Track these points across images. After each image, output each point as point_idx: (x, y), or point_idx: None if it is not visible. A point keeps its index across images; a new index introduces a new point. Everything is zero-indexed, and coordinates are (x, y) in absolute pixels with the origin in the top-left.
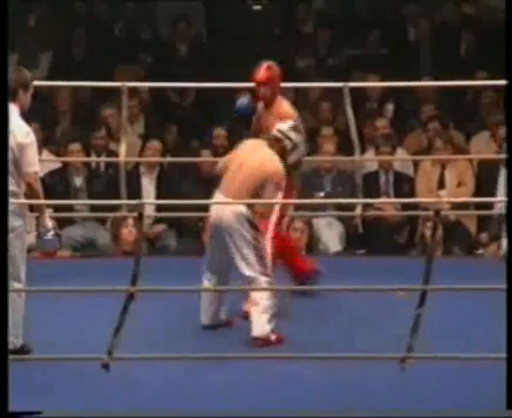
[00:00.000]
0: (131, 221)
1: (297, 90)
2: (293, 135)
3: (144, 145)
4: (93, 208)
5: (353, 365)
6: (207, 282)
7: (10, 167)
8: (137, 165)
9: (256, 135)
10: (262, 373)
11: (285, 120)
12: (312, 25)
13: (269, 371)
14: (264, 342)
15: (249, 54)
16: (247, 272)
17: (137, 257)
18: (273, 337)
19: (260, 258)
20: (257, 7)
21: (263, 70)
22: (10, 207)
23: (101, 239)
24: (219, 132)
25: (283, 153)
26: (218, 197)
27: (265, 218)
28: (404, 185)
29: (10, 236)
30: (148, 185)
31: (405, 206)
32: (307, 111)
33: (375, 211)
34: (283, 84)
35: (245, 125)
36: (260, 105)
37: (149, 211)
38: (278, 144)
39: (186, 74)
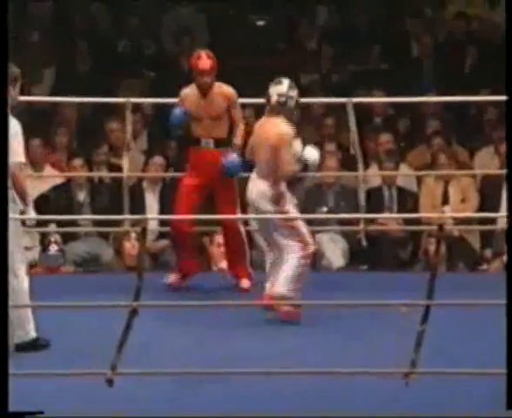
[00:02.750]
0: (134, 236)
1: (300, 105)
2: (292, 93)
3: (147, 161)
4: (96, 223)
5: (356, 380)
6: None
7: None
8: (140, 180)
9: (200, 129)
10: (262, 387)
11: (230, 98)
12: (315, 41)
13: (269, 385)
14: (276, 306)
15: (252, 69)
16: (281, 240)
17: (140, 272)
18: (286, 308)
19: (291, 229)
20: (260, 22)
21: (205, 58)
22: None
23: (104, 255)
24: None
25: (290, 116)
26: (252, 178)
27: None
28: (407, 200)
29: None
30: (151, 201)
31: (408, 222)
32: (311, 126)
33: (379, 226)
34: None
35: (180, 133)
36: (194, 97)
37: (152, 226)
38: (283, 108)
39: None
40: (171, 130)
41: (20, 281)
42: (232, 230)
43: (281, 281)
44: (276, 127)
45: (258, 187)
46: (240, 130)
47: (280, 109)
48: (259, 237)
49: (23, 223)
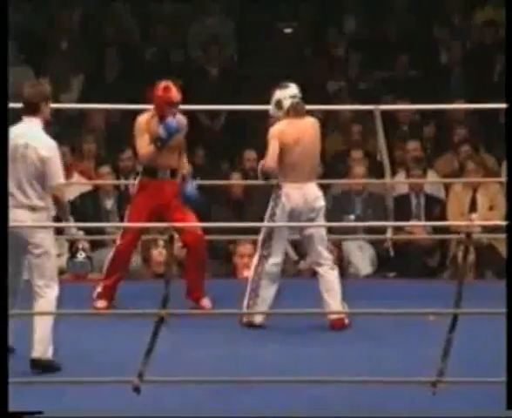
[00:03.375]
0: (161, 244)
1: (327, 112)
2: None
3: None
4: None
5: (383, 388)
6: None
7: (33, 182)
8: None
9: (159, 159)
10: (290, 396)
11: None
12: (343, 48)
13: (297, 394)
14: (342, 324)
15: (280, 77)
16: (324, 252)
17: (167, 279)
18: (347, 320)
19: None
20: (288, 30)
21: (175, 90)
22: (31, 222)
23: (132, 262)
24: (250, 155)
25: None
26: (292, 186)
27: None
28: (435, 208)
29: (36, 251)
30: None
31: (436, 229)
32: (338, 133)
33: (406, 234)
34: (314, 107)
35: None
36: (156, 126)
37: None
38: (301, 108)
39: (217, 97)
40: (165, 141)
41: (51, 293)
42: (197, 243)
43: (337, 305)
44: (314, 123)
45: (315, 193)
46: (185, 156)
47: (300, 109)
48: (288, 247)
49: (60, 232)
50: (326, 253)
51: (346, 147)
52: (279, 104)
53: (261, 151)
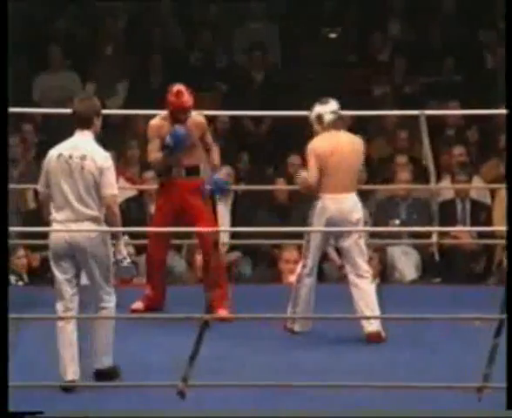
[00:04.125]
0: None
1: (372, 117)
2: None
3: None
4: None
5: (429, 394)
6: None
7: (92, 192)
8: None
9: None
10: (333, 400)
11: (203, 126)
12: (388, 53)
13: (340, 399)
14: (379, 337)
15: (324, 82)
16: (364, 265)
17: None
18: (383, 333)
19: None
20: (332, 35)
21: (187, 95)
22: (92, 234)
23: (177, 267)
24: (294, 160)
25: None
26: (328, 197)
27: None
28: (481, 213)
29: (96, 268)
30: (224, 212)
31: (482, 235)
32: (383, 138)
33: (452, 239)
34: (359, 112)
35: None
36: (167, 128)
37: (224, 238)
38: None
39: (261, 102)
40: (172, 149)
41: (110, 303)
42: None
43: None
44: (353, 137)
45: (351, 205)
46: (216, 152)
47: (338, 123)
48: (333, 252)
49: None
50: (365, 266)
51: (391, 152)
52: (319, 119)
53: (305, 157)
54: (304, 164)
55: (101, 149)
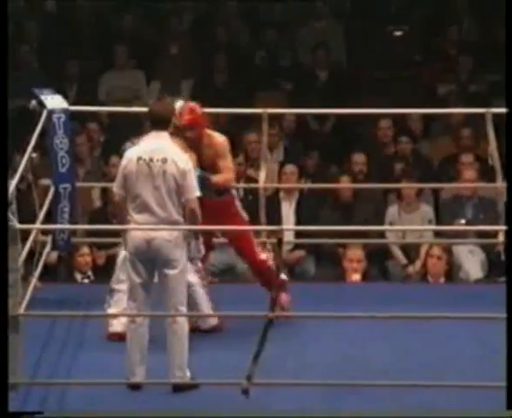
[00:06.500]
0: (269, 247)
1: (438, 115)
2: None
3: (280, 170)
4: None
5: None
6: None
7: (173, 195)
8: (276, 190)
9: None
10: (396, 401)
11: (218, 147)
12: (453, 51)
13: (403, 399)
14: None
15: (389, 80)
16: None
17: (276, 283)
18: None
19: None
20: (398, 33)
21: (186, 113)
22: (170, 237)
23: (240, 265)
24: (359, 158)
25: None
26: None
27: None
28: None
29: (172, 272)
30: (288, 211)
31: None
32: (448, 137)
33: None
34: (425, 110)
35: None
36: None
37: (288, 236)
38: None
39: (326, 100)
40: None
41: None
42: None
43: None
44: None
45: None
46: (224, 177)
47: None
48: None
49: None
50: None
51: (457, 151)
52: None
53: (369, 154)
54: (369, 162)
55: (180, 152)
